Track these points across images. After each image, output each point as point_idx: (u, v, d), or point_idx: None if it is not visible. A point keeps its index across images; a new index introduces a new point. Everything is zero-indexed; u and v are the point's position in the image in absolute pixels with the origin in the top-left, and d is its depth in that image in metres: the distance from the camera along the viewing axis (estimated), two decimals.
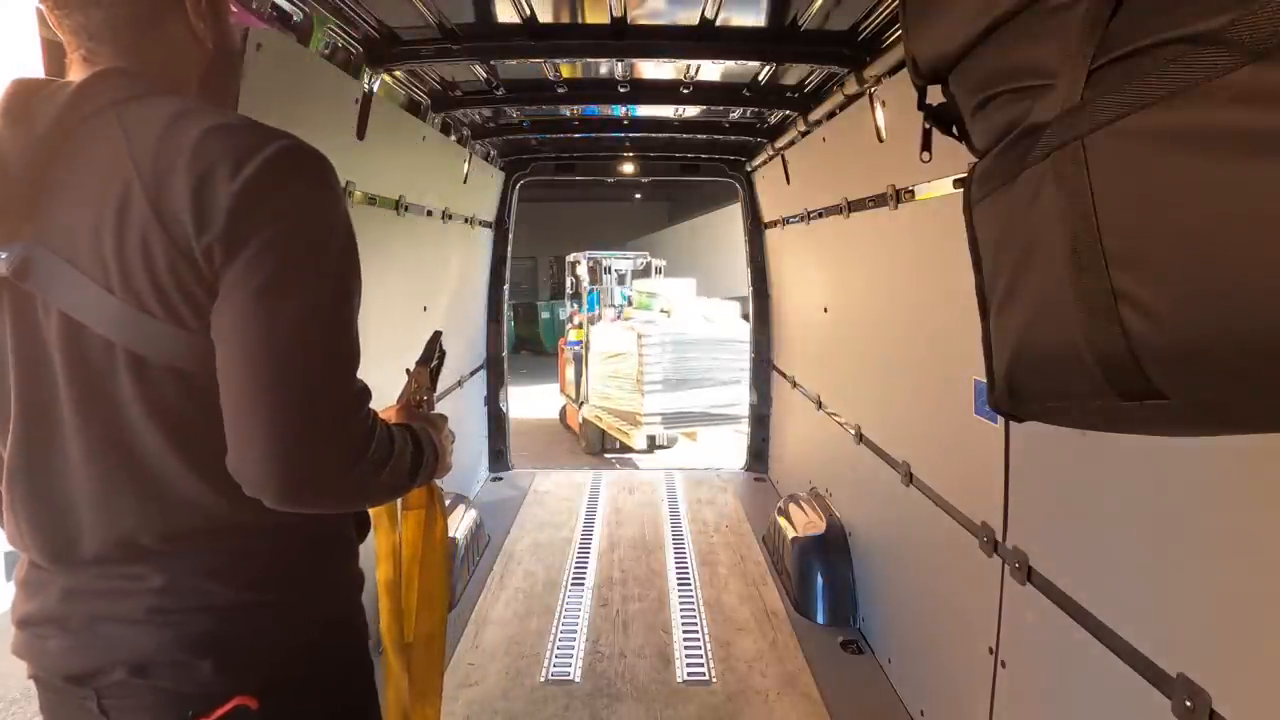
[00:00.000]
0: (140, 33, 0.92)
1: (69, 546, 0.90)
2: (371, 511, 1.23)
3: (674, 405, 7.15)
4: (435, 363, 1.33)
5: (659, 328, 7.36)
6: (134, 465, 0.88)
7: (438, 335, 1.38)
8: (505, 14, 2.52)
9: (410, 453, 0.99)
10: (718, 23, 2.55)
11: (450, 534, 3.42)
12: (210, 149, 0.83)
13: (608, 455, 7.63)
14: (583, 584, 3.56)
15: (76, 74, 0.91)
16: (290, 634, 0.95)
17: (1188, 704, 1.17)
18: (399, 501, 1.29)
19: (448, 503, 3.66)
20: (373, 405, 0.94)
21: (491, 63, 2.96)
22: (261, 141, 0.85)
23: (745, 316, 6.09)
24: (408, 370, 1.29)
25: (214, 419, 0.85)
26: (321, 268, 0.87)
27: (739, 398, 6.94)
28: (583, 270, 10.19)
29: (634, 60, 2.95)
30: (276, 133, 0.87)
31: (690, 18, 2.53)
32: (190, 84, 0.96)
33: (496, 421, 5.27)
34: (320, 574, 1.00)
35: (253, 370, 0.83)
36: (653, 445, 7.69)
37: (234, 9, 1.06)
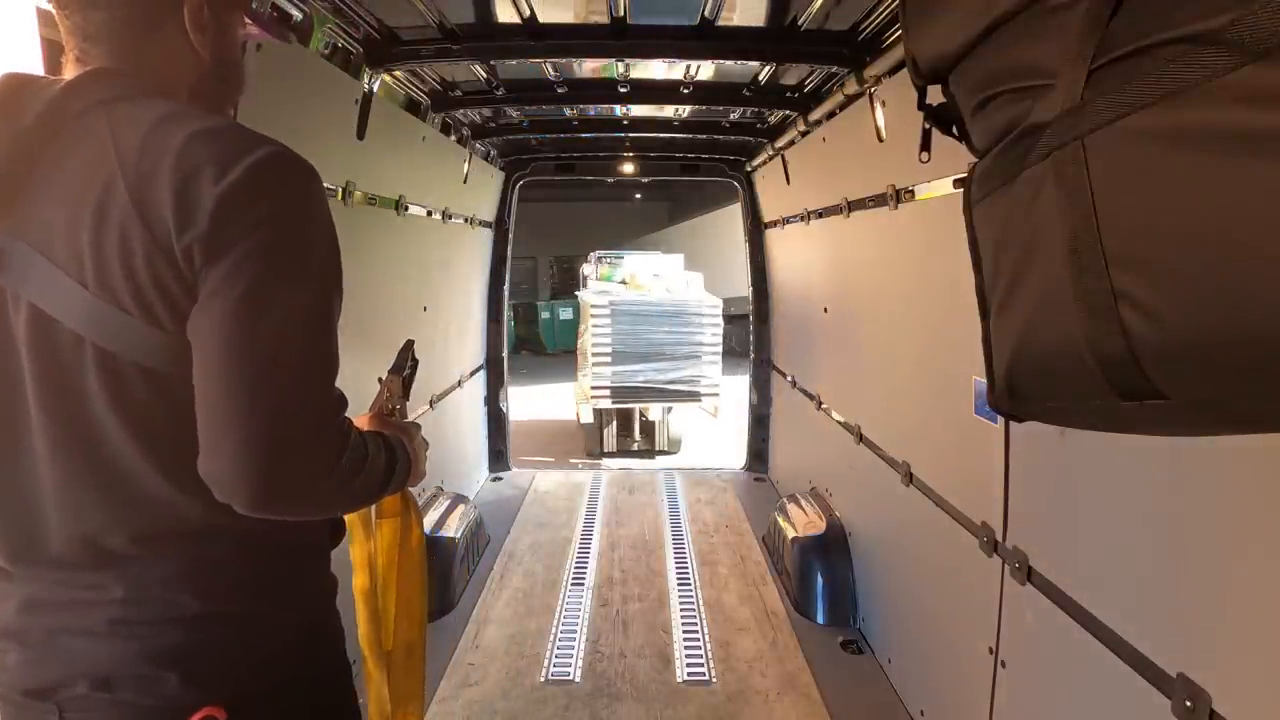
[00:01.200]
0: (135, 37, 0.92)
1: (30, 545, 0.89)
2: (345, 519, 1.23)
3: (624, 379, 6.74)
4: (408, 371, 1.33)
5: (609, 297, 6.96)
6: (101, 463, 0.87)
7: (410, 344, 1.38)
8: (505, 14, 2.52)
9: (383, 460, 0.98)
10: (718, 23, 2.55)
11: (450, 534, 3.43)
12: (196, 151, 0.83)
13: (606, 459, 7.37)
14: (583, 584, 3.56)
15: (69, 73, 0.91)
16: (261, 642, 0.94)
17: (1188, 704, 1.17)
18: (372, 510, 1.28)
19: (448, 503, 3.67)
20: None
21: (491, 63, 2.96)
22: (248, 147, 0.85)
23: (742, 315, 6.01)
24: (380, 379, 1.29)
25: (184, 420, 0.84)
26: (303, 277, 0.86)
27: (700, 375, 6.74)
28: (590, 268, 10.06)
29: (634, 60, 2.95)
30: (263, 139, 0.87)
31: (690, 18, 2.54)
32: (181, 90, 0.96)
33: (496, 421, 5.27)
34: (291, 581, 0.99)
35: (230, 377, 0.82)
36: (654, 450, 7.42)
37: (246, 22, 1.05)
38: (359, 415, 1.19)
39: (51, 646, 0.88)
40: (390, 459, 1.00)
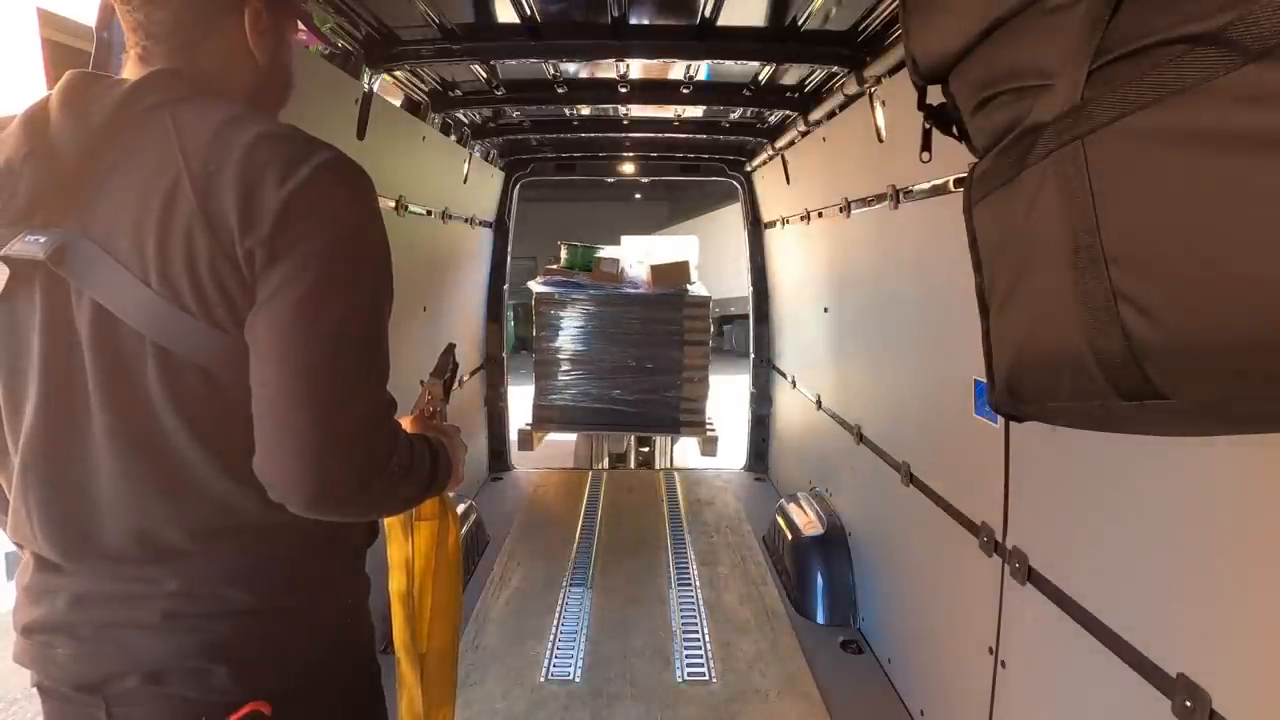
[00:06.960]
0: (198, 37, 0.94)
1: (84, 540, 0.89)
2: (385, 522, 1.24)
3: (579, 398, 4.88)
4: (448, 375, 1.35)
5: (562, 287, 5.11)
6: (160, 459, 0.88)
7: (451, 348, 1.41)
8: (505, 14, 2.53)
9: (428, 462, 1.00)
10: (717, 23, 2.55)
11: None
12: (260, 154, 0.85)
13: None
14: (583, 584, 3.56)
15: (131, 70, 0.94)
16: (304, 638, 0.96)
17: (1188, 704, 1.17)
18: (412, 512, 1.30)
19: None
20: None
21: (491, 63, 2.96)
22: (311, 151, 0.87)
23: (742, 315, 5.85)
24: (421, 382, 1.31)
25: (240, 420, 0.86)
26: (360, 282, 0.89)
27: (681, 396, 4.98)
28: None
29: (634, 60, 2.95)
30: (322, 144, 0.89)
31: (690, 18, 2.54)
32: (239, 91, 0.98)
33: (496, 422, 5.27)
34: (332, 580, 1.01)
35: (287, 379, 0.84)
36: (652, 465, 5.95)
37: (300, 30, 1.07)
38: (401, 417, 1.20)
39: (103, 640, 0.89)
40: (434, 461, 1.02)
